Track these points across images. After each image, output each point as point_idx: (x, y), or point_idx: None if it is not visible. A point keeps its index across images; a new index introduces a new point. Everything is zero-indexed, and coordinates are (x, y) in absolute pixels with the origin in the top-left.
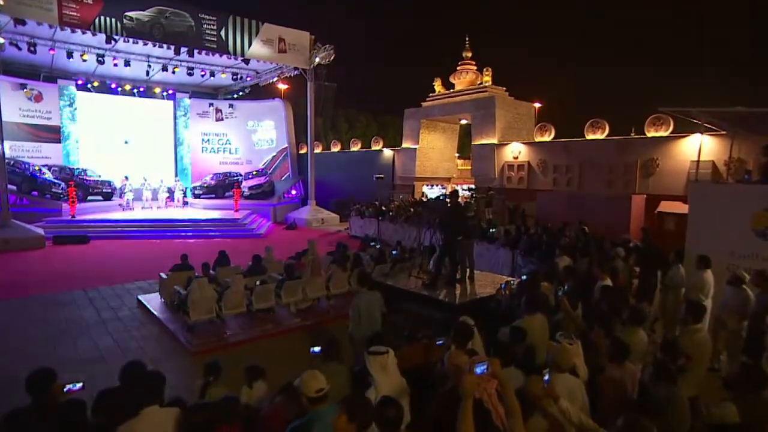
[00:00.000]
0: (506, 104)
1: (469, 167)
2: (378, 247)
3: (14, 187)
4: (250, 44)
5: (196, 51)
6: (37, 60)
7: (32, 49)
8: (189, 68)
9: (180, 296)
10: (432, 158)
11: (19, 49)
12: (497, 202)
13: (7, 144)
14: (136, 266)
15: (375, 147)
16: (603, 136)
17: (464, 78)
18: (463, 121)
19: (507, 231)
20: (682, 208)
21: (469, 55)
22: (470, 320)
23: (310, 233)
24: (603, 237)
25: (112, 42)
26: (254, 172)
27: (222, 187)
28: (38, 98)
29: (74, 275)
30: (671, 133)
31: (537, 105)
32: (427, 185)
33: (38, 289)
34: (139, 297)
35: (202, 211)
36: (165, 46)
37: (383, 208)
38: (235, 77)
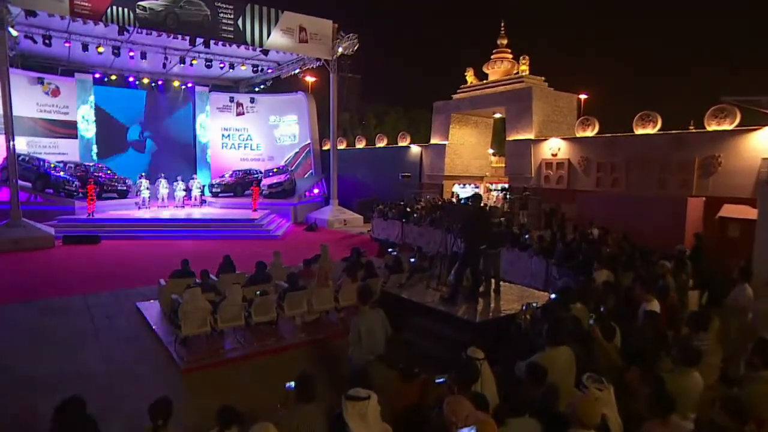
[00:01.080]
0: (545, 96)
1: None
2: (395, 254)
3: (29, 184)
4: (269, 34)
5: (212, 42)
6: (54, 53)
7: (47, 41)
8: (207, 60)
9: (173, 306)
10: (463, 155)
11: (35, 42)
12: (533, 204)
13: (23, 140)
14: (143, 269)
15: (402, 143)
16: (655, 131)
17: (499, 68)
18: (497, 115)
19: (541, 237)
20: (748, 212)
21: (505, 42)
22: (479, 353)
23: (331, 235)
24: (652, 247)
25: (125, 33)
26: (275, 170)
27: (241, 185)
28: (55, 93)
29: (77, 278)
30: (737, 126)
31: (582, 96)
32: (459, 184)
33: (37, 293)
34: (138, 304)
35: (218, 210)
36: (180, 36)
37: (408, 209)
38: (255, 69)
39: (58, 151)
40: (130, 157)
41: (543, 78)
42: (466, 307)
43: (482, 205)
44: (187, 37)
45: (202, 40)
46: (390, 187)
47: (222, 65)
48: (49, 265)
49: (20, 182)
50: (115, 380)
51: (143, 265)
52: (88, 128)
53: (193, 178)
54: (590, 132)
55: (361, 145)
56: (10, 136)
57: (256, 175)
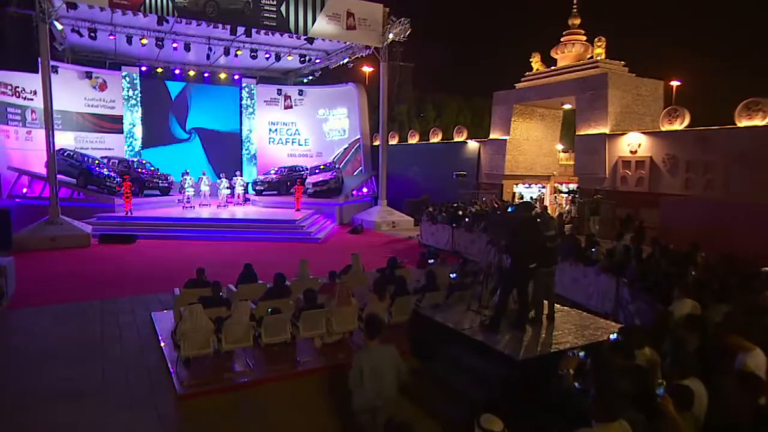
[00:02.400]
0: (623, 83)
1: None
2: (431, 263)
3: (73, 180)
4: (314, 20)
5: (254, 31)
6: (101, 46)
7: (92, 34)
8: (252, 51)
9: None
10: (526, 151)
11: (81, 35)
12: (606, 209)
13: (71, 135)
14: (171, 272)
15: (458, 138)
16: (765, 122)
17: (569, 51)
18: (567, 106)
19: (610, 252)
20: None
21: (577, 22)
22: (495, 424)
23: (376, 239)
24: (757, 271)
25: (165, 23)
26: (321, 167)
27: (285, 182)
28: (102, 87)
29: (101, 282)
30: None
31: (673, 83)
32: (524, 184)
33: (56, 297)
34: (153, 314)
35: (260, 209)
36: (221, 26)
37: (459, 212)
38: (302, 59)
39: (105, 146)
40: (175, 153)
41: (622, 62)
42: (509, 338)
43: (533, 214)
44: (228, 26)
45: (243, 29)
46: (444, 187)
47: (267, 55)
48: (77, 267)
49: (64, 178)
50: (104, 402)
51: (172, 268)
52: (133, 123)
53: (236, 175)
54: (678, 125)
55: (414, 140)
56: (50, 130)
57: (301, 173)
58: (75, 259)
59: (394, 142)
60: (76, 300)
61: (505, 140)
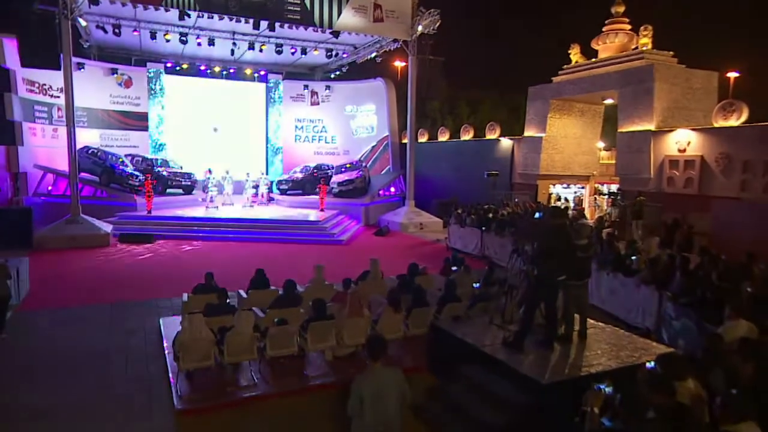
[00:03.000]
0: (672, 75)
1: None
2: (453, 271)
3: (97, 179)
4: (339, 13)
5: (278, 24)
6: (126, 43)
7: (117, 31)
8: (277, 45)
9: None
10: (564, 150)
11: (105, 31)
12: (650, 213)
13: (97, 132)
14: (186, 275)
15: (490, 135)
16: None
17: (612, 42)
18: (609, 101)
19: (653, 261)
20: None
21: (621, 10)
22: None
23: (402, 241)
24: None
25: (187, 18)
26: (348, 165)
27: (310, 182)
28: (128, 83)
29: (115, 283)
30: None
31: (731, 75)
32: (562, 184)
33: (67, 299)
34: (162, 320)
35: (284, 209)
36: (243, 20)
37: (489, 215)
38: (329, 54)
39: (130, 144)
40: (199, 151)
41: (671, 52)
42: (533, 358)
43: (562, 221)
44: (251, 21)
45: (266, 23)
46: (475, 187)
47: (293, 50)
48: (93, 267)
49: (88, 176)
50: (99, 415)
51: (189, 269)
52: (158, 119)
53: (261, 174)
54: (735, 120)
55: (444, 137)
56: (71, 127)
57: (327, 171)
58: (92, 259)
59: (423, 139)
60: (87, 302)
61: (541, 138)
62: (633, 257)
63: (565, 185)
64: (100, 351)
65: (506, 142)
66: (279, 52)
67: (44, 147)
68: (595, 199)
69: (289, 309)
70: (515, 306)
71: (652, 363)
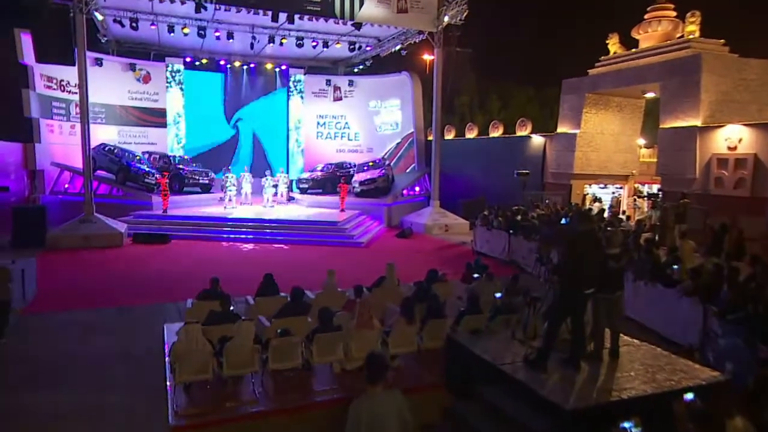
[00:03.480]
0: (722, 65)
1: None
2: (477, 278)
3: (113, 177)
4: (361, 4)
5: (297, 17)
6: (145, 37)
7: (134, 24)
8: (298, 38)
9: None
10: (600, 147)
11: (122, 26)
12: (695, 217)
13: (114, 129)
14: (200, 277)
15: (521, 132)
16: None
17: (654, 30)
18: (650, 94)
19: (695, 271)
20: None
21: None
22: None
23: (426, 244)
24: None
25: (203, 10)
26: (370, 163)
27: (331, 180)
28: (146, 79)
29: (124, 285)
30: None
31: None
32: (598, 185)
33: (74, 302)
34: (166, 326)
35: (304, 209)
36: (261, 12)
37: (518, 217)
38: (352, 47)
39: (148, 141)
40: (218, 148)
41: (721, 41)
42: (557, 379)
43: (591, 228)
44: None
45: (285, 15)
46: (504, 188)
47: (314, 43)
48: (104, 268)
49: (105, 174)
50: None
51: (202, 271)
52: (176, 116)
53: (280, 172)
54: None
55: (471, 134)
56: (85, 124)
57: (349, 170)
58: (104, 260)
59: (450, 136)
60: (94, 306)
61: (575, 134)
62: (674, 266)
63: (601, 185)
64: (102, 359)
65: (538, 140)
66: (300, 46)
67: (62, 144)
68: (635, 200)
69: (296, 318)
70: (539, 319)
71: (691, 395)
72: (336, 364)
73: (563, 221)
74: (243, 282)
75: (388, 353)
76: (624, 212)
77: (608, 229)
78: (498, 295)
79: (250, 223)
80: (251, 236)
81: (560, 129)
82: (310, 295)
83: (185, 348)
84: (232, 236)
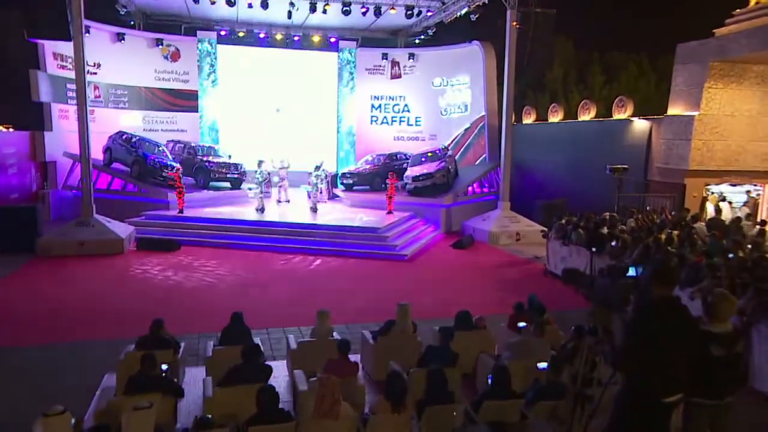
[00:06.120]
0: None
1: None
2: (523, 327)
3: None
4: None
5: None
6: (172, 8)
7: None
8: (344, 4)
9: None
10: (730, 134)
11: None
12: None
13: (139, 114)
14: (195, 302)
15: (618, 115)
16: None
17: None
18: None
19: None
20: None
21: None
22: None
23: (489, 257)
24: None
25: None
26: (429, 154)
27: (381, 175)
28: (175, 56)
29: (90, 311)
30: None
31: None
32: (727, 184)
33: (44, 331)
34: (106, 377)
35: (344, 210)
36: None
37: (604, 229)
38: (409, 13)
39: (176, 128)
40: (256, 137)
41: None
42: None
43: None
44: None
45: None
46: (594, 187)
47: (364, 10)
48: (91, 284)
49: (122, 167)
50: None
51: (201, 293)
52: (209, 98)
53: (320, 165)
54: None
55: (555, 118)
56: (83, 106)
57: (402, 162)
58: (94, 273)
59: (529, 120)
60: (41, 341)
61: (692, 117)
62: None
63: (732, 185)
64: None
65: (640, 124)
66: (346, 13)
67: (77, 132)
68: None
69: (244, 387)
70: (587, 420)
71: None
72: None
73: (631, 271)
74: (250, 306)
75: None
76: (765, 222)
77: (714, 289)
78: (542, 365)
79: (275, 228)
80: (275, 244)
81: (671, 110)
82: (293, 345)
83: None
84: (253, 243)
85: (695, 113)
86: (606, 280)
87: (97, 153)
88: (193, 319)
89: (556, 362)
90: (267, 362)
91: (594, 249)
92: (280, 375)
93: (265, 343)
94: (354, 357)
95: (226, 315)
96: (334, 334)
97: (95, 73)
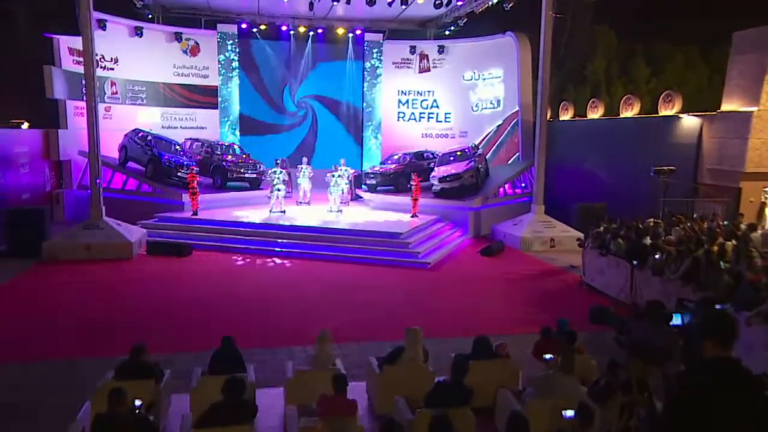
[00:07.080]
0: None
1: None
2: (549, 359)
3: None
4: None
5: None
6: (192, 1)
7: None
8: None
9: None
10: None
11: None
12: None
13: (157, 111)
14: (203, 315)
15: (664, 111)
16: None
17: None
18: None
19: None
20: None
21: None
22: None
23: (520, 266)
24: None
25: None
26: (458, 153)
27: (406, 175)
28: (194, 50)
29: (88, 324)
30: None
31: None
32: None
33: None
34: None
35: (366, 213)
36: None
37: (647, 239)
38: (438, 3)
39: (196, 125)
40: (279, 134)
41: None
42: None
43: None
44: None
45: None
46: (637, 190)
47: (390, 0)
48: (90, 293)
49: (137, 166)
50: None
51: (208, 304)
52: (229, 95)
53: (337, 167)
54: None
55: (595, 114)
56: (92, 102)
57: (430, 161)
58: (91, 282)
59: (567, 116)
60: (28, 357)
61: (750, 113)
62: None
63: None
64: None
65: (690, 121)
66: (371, 4)
67: None
68: None
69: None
70: None
71: None
72: None
73: (674, 321)
74: (259, 321)
75: None
76: None
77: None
78: (568, 414)
79: (290, 233)
80: (290, 250)
81: (726, 106)
82: (289, 373)
83: None
84: (267, 249)
85: (754, 109)
86: (643, 324)
87: (113, 151)
88: (191, 336)
89: (584, 411)
90: (266, 387)
91: (635, 262)
92: (276, 406)
93: (266, 364)
94: (360, 384)
95: (227, 332)
96: (337, 361)
97: (112, 69)
